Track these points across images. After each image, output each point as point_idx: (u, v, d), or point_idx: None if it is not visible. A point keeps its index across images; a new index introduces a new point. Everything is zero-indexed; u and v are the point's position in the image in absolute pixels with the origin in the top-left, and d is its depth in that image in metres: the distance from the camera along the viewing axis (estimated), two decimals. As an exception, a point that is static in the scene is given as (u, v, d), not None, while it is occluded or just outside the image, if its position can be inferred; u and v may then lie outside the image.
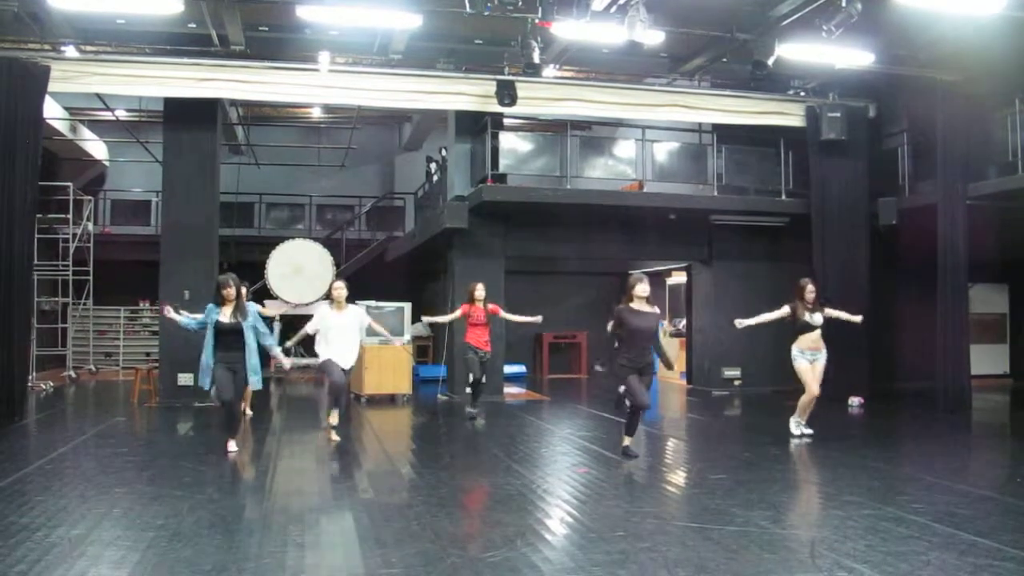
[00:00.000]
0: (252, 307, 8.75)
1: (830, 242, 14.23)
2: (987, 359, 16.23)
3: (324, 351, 9.34)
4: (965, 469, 8.15)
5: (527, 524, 5.85)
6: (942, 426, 11.79)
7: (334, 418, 9.42)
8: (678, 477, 8.00)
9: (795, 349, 9.86)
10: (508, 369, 15.98)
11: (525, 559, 4.98)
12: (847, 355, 13.81)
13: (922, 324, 14.07)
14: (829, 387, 13.68)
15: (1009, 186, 12.61)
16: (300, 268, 18.74)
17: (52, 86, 11.62)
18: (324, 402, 9.74)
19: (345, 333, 9.37)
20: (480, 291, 11.56)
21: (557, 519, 6.09)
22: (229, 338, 8.44)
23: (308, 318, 19.96)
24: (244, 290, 9.18)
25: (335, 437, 9.37)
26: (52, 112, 16.85)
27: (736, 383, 15.37)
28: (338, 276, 10.56)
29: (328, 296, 9.85)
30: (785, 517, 5.97)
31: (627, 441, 8.54)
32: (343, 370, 9.32)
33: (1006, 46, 11.42)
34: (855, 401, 13.28)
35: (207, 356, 8.43)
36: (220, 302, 8.55)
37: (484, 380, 11.96)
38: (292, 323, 19.43)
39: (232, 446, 8.61)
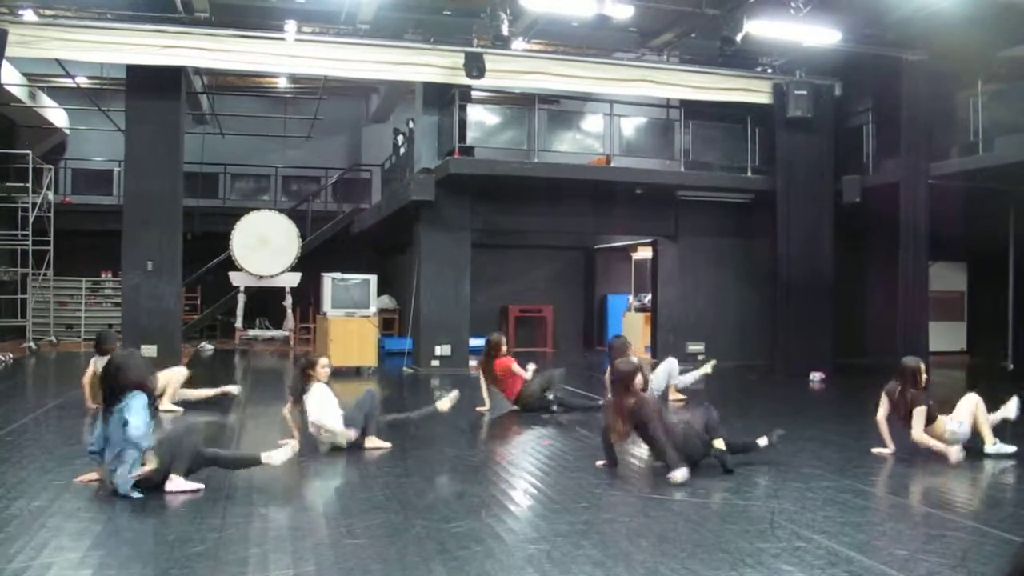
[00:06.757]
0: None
1: (795, 219, 14.36)
2: (946, 336, 16.51)
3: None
4: (921, 443, 8.30)
5: (491, 495, 5.89)
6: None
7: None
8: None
9: None
10: (474, 342, 15.97)
11: (489, 529, 5.02)
12: (809, 331, 14.06)
13: (885, 301, 14.31)
14: (791, 362, 13.99)
15: (970, 166, 12.82)
16: (265, 240, 18.58)
17: (10, 51, 11.35)
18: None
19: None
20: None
21: (521, 490, 6.13)
22: None
23: (272, 291, 19.92)
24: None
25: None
26: (10, 78, 16.51)
27: (700, 357, 15.48)
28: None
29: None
30: (746, 489, 6.07)
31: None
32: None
33: (971, 28, 11.57)
34: (816, 376, 13.46)
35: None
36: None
37: None
38: (256, 296, 19.33)
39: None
